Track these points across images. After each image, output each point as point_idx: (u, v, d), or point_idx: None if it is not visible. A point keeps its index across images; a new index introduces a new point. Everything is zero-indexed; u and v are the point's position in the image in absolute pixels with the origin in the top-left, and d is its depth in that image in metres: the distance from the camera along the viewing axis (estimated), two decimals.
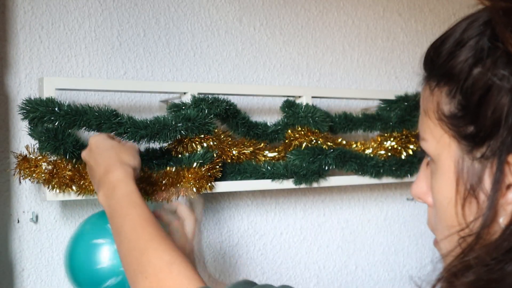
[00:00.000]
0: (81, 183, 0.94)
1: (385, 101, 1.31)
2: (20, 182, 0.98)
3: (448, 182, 0.59)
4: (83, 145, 0.96)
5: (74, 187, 0.93)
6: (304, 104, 1.17)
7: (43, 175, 0.92)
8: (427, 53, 0.62)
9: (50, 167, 0.92)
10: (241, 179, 1.11)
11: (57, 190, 0.93)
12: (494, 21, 0.55)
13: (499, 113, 0.53)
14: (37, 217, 1.02)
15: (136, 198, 0.81)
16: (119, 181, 0.83)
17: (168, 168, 1.03)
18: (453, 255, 0.57)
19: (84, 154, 0.90)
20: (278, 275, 1.28)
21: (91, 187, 0.94)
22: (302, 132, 1.16)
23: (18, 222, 1.01)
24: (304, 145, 1.16)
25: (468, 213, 0.57)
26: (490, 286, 0.53)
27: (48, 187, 0.93)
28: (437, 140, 0.60)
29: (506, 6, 0.54)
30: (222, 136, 1.09)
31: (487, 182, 0.55)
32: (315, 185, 1.18)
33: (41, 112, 0.92)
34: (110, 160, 0.85)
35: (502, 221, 0.55)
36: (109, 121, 0.95)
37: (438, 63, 0.59)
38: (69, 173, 0.93)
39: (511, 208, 0.54)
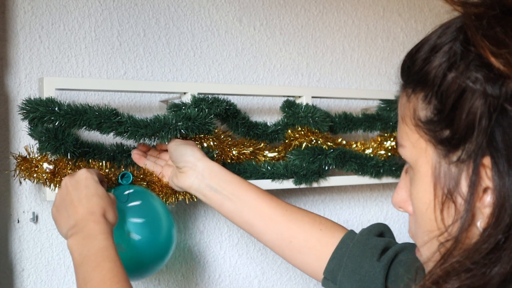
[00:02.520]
0: None
1: (385, 101, 1.31)
2: (20, 183, 0.98)
3: (426, 187, 0.58)
4: (83, 144, 0.96)
5: None
6: (304, 104, 1.17)
7: (44, 175, 0.92)
8: (403, 62, 0.63)
9: (51, 166, 0.92)
10: None
11: (58, 189, 0.93)
12: (466, 26, 0.55)
13: (473, 116, 0.53)
14: (37, 217, 1.02)
15: (112, 254, 0.80)
16: (101, 233, 0.81)
17: None
18: (433, 261, 0.56)
19: (68, 183, 0.87)
20: (278, 275, 1.28)
21: None
22: (302, 132, 1.16)
23: (18, 222, 1.01)
24: (304, 145, 1.16)
25: (447, 218, 0.56)
26: None
27: (50, 187, 0.93)
28: (414, 146, 0.60)
29: (477, 11, 0.54)
30: (222, 136, 1.09)
31: (464, 186, 0.55)
32: (315, 185, 1.18)
33: (41, 112, 0.92)
34: (97, 209, 0.84)
35: (480, 224, 0.54)
36: (109, 120, 0.95)
37: (414, 70, 0.60)
38: (70, 171, 0.93)
39: (488, 211, 0.54)
